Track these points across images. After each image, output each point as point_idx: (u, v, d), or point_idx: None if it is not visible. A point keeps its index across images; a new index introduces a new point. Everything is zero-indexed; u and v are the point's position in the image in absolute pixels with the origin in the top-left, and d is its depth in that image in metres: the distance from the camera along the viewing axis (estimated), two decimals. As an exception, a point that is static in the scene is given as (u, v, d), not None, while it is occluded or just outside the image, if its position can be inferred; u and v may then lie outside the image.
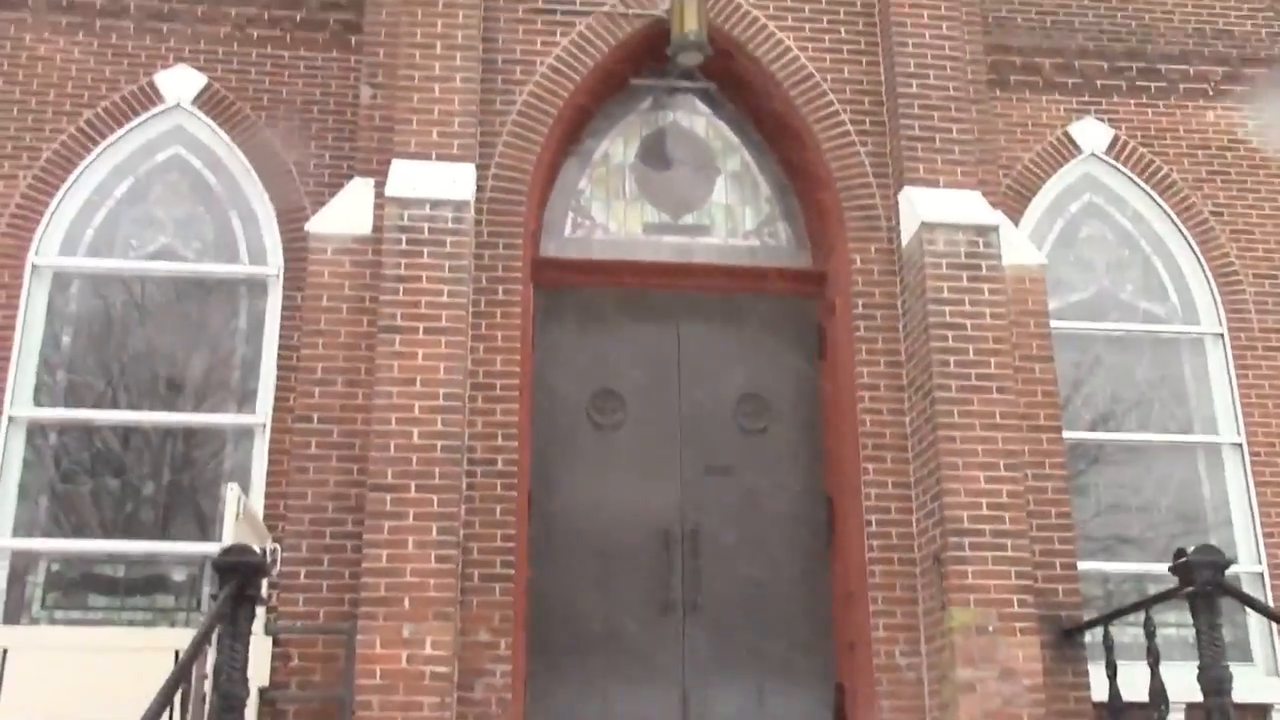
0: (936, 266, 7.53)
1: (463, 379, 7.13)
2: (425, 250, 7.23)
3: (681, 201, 8.45)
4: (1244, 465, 9.10)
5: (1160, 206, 9.59)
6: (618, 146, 8.52)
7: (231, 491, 6.52)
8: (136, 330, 8.83)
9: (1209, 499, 9.22)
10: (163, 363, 8.74)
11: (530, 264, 7.86)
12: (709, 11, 8.05)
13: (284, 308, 8.60)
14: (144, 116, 8.97)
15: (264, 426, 8.40)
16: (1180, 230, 9.55)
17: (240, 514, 6.45)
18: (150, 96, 9.00)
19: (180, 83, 9.03)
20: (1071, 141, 9.65)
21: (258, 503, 8.13)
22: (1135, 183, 9.64)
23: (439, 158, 7.50)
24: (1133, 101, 9.80)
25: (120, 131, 8.93)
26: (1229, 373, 9.28)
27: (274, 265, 8.77)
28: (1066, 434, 8.28)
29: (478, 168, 7.61)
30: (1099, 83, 9.78)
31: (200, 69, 9.07)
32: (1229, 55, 9.98)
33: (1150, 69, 9.85)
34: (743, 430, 7.99)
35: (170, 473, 8.59)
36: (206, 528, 8.40)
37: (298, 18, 9.21)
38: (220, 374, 8.76)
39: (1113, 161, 9.66)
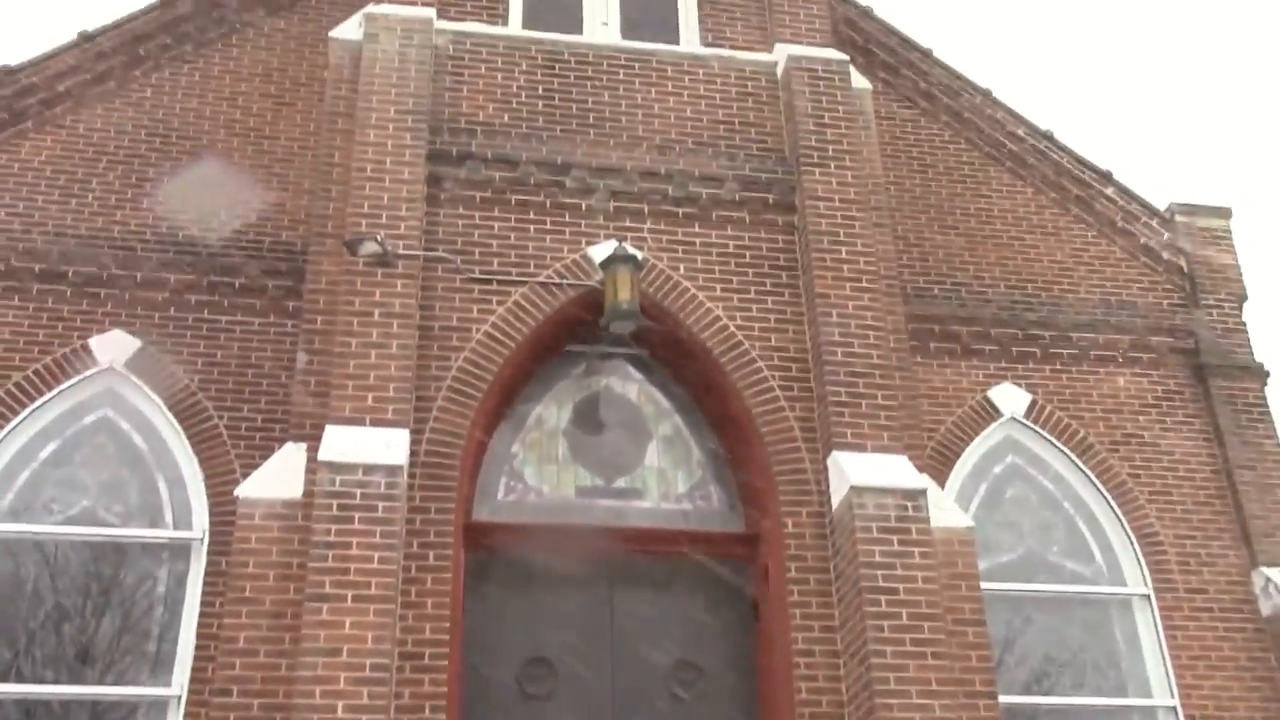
0: (867, 530, 7.60)
1: (391, 648, 6.95)
2: (356, 516, 7.17)
3: (614, 465, 8.52)
4: (1180, 730, 9.04)
5: (1080, 469, 9.84)
6: (551, 411, 8.64)
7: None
8: (49, 595, 8.53)
9: (1148, 764, 9.11)
10: (75, 629, 8.41)
11: (462, 528, 7.81)
12: (641, 282, 8.34)
13: (207, 573, 8.39)
14: (75, 379, 8.94)
15: (179, 699, 8.05)
16: (1101, 492, 9.77)
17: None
18: (83, 360, 9.00)
19: (114, 346, 9.06)
20: (991, 406, 9.95)
21: (168, 782, 7.71)
22: (1055, 445, 9.91)
23: (373, 423, 7.54)
24: (1048, 367, 10.19)
25: (50, 394, 8.87)
26: (1158, 634, 9.33)
27: (199, 529, 8.61)
28: (1001, 698, 8.19)
29: (412, 432, 7.65)
30: (1014, 349, 10.18)
31: (135, 333, 9.12)
32: (1134, 324, 10.49)
33: (1062, 337, 10.29)
34: (676, 699, 7.82)
35: (75, 750, 8.15)
36: (111, 811, 7.92)
37: (237, 284, 9.37)
38: (135, 642, 8.45)
39: (1032, 425, 9.95)
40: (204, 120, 10.18)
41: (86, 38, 10.15)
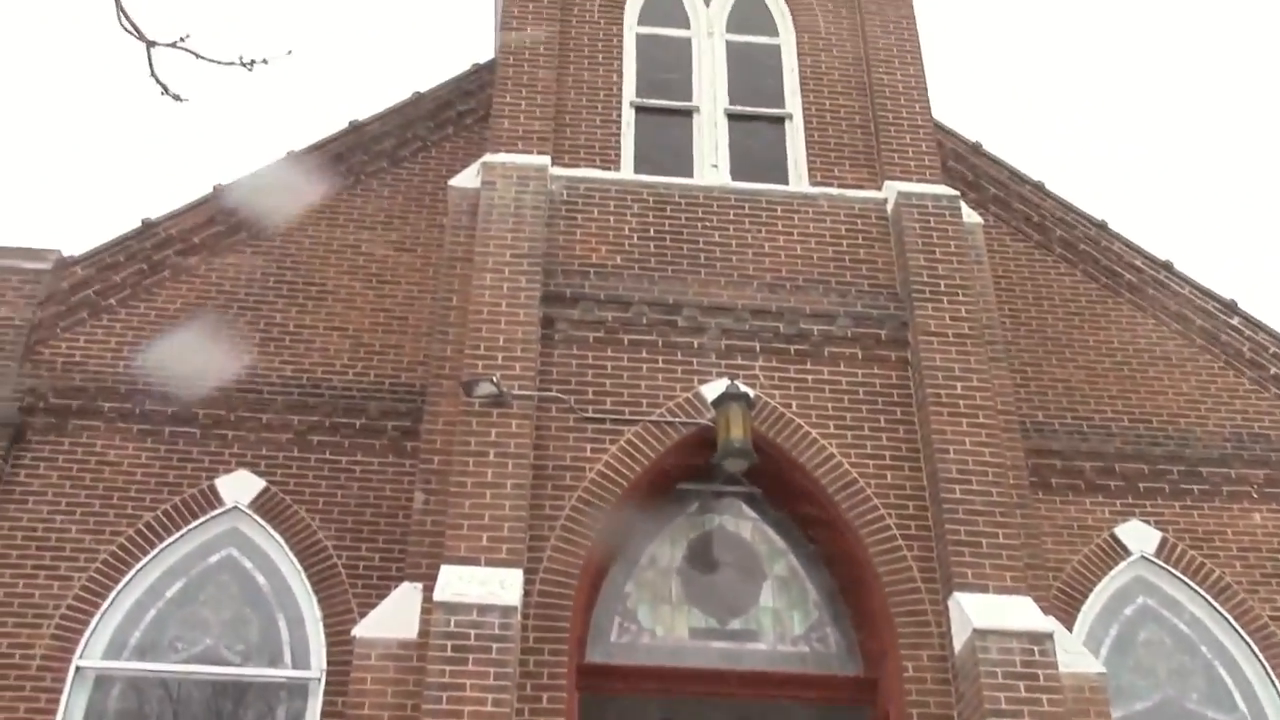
0: (992, 675, 7.33)
1: (504, 794, 6.84)
2: (471, 657, 7.15)
3: (729, 606, 8.39)
4: None
5: (1218, 611, 9.41)
6: (664, 550, 8.58)
7: None
8: (172, 733, 8.65)
9: None
10: (195, 768, 8.50)
11: (575, 670, 7.73)
12: (754, 419, 8.31)
13: (324, 713, 8.45)
14: (201, 519, 9.20)
15: (294, 841, 8.03)
16: (1241, 636, 9.31)
17: None
18: (209, 500, 9.27)
19: (239, 487, 9.32)
20: (1119, 544, 9.62)
21: None
22: (1189, 586, 9.51)
23: (488, 563, 7.56)
24: (1177, 504, 9.84)
25: (177, 534, 9.14)
26: (1313, 790, 8.76)
27: (316, 669, 8.69)
28: None
29: (525, 572, 7.64)
30: (1141, 485, 9.87)
31: (260, 473, 9.38)
32: (1269, 458, 10.10)
33: (1191, 472, 9.95)
34: None
35: None
36: None
37: (358, 424, 9.60)
38: (252, 782, 8.49)
39: (1163, 564, 9.58)
40: (329, 266, 10.58)
41: (220, 190, 10.68)
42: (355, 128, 11.26)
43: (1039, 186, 11.49)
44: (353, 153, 11.14)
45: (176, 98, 3.97)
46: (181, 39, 3.93)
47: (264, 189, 10.79)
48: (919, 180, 9.65)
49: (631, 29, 10.52)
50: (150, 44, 3.93)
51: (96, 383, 9.69)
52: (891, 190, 9.55)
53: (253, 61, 4.03)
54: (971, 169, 11.48)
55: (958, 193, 9.68)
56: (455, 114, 11.58)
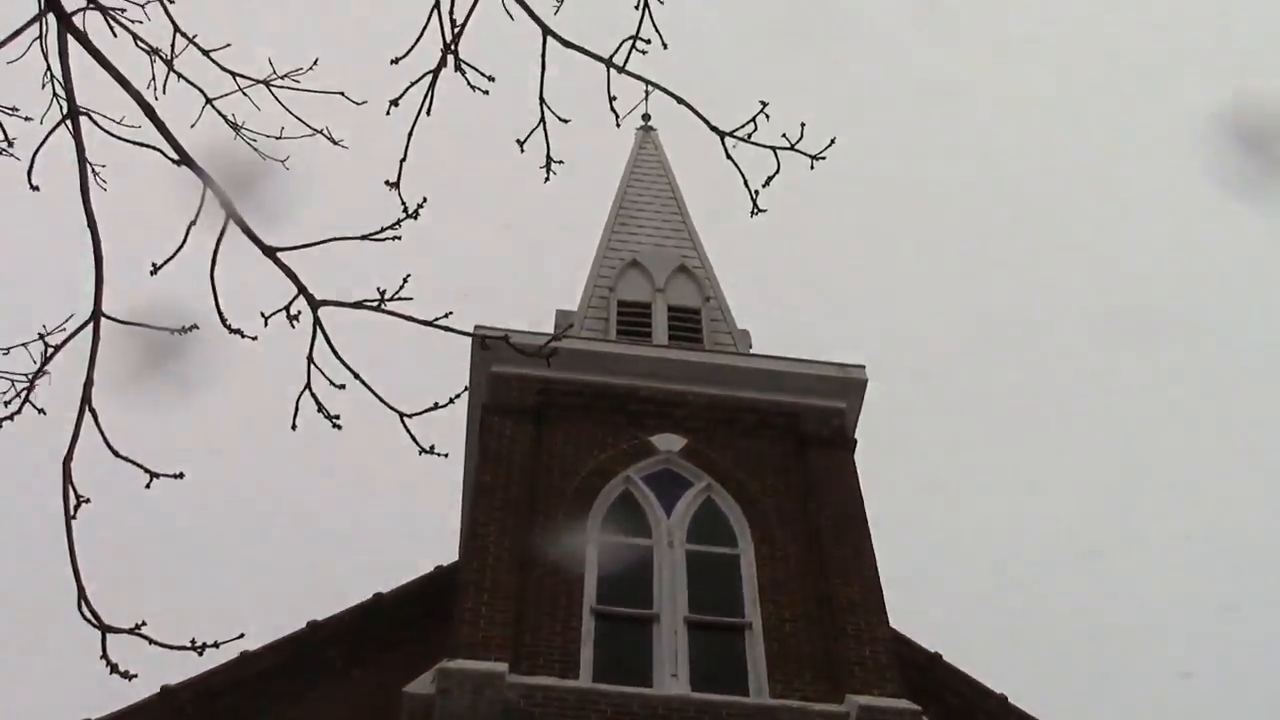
0: None
1: None
2: None
3: None
4: None
5: None
6: None
7: None
8: None
9: None
10: None
11: None
12: None
13: None
14: None
15: None
16: None
17: None
18: None
19: None
20: None
21: None
22: None
23: None
24: None
25: None
26: None
27: None
28: None
29: None
30: None
31: None
32: None
33: None
34: None
35: None
36: None
37: None
38: None
39: None
40: (272, 775, 10.09)
41: (168, 693, 10.37)
42: (313, 627, 11.15)
43: (1002, 700, 11.35)
44: (308, 653, 10.97)
45: (126, 675, 4.07)
46: (138, 626, 4.08)
47: (212, 690, 10.50)
48: (879, 694, 9.52)
49: (594, 537, 10.75)
50: (106, 630, 4.08)
51: None
52: (853, 704, 9.39)
53: (204, 646, 4.19)
54: (933, 680, 11.39)
55: (919, 708, 9.53)
56: (415, 615, 11.55)
